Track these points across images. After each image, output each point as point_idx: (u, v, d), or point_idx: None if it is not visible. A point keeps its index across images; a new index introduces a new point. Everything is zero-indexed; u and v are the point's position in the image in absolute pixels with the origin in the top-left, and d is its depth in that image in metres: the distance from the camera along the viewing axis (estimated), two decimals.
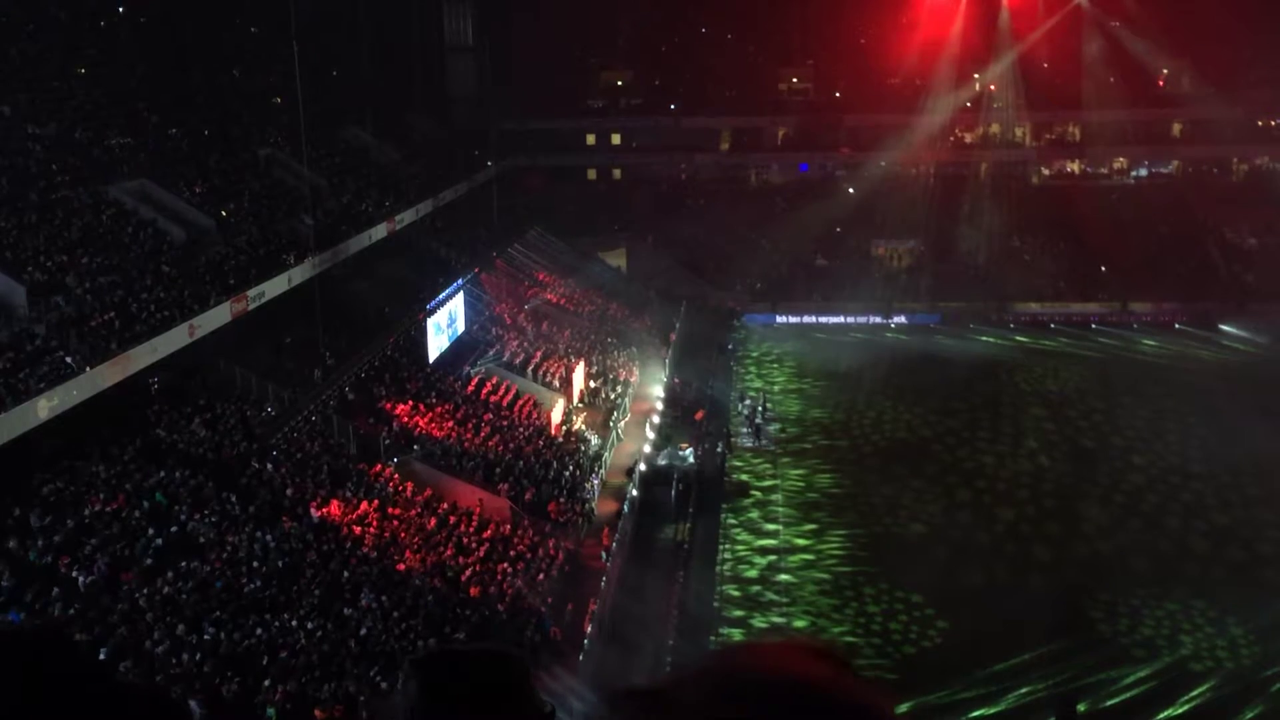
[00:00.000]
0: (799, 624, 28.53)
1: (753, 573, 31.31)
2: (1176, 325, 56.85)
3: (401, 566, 26.60)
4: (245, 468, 28.04)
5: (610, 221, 66.25)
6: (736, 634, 27.76)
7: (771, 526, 34.19)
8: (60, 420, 23.92)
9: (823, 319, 58.92)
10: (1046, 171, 74.32)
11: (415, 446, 33.11)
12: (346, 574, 25.33)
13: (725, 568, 31.59)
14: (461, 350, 41.72)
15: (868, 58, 71.95)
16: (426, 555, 27.58)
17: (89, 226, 31.13)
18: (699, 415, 42.46)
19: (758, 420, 42.42)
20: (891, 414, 44.00)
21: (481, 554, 28.17)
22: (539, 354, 44.30)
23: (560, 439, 37.45)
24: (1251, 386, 44.34)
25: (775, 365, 52.05)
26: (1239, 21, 59.68)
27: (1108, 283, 60.07)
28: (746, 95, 74.53)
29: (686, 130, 72.86)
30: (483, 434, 35.42)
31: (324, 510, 27.60)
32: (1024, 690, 25.04)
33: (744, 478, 38.13)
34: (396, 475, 31.07)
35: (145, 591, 21.71)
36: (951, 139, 72.03)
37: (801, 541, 33.16)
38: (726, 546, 32.87)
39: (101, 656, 19.50)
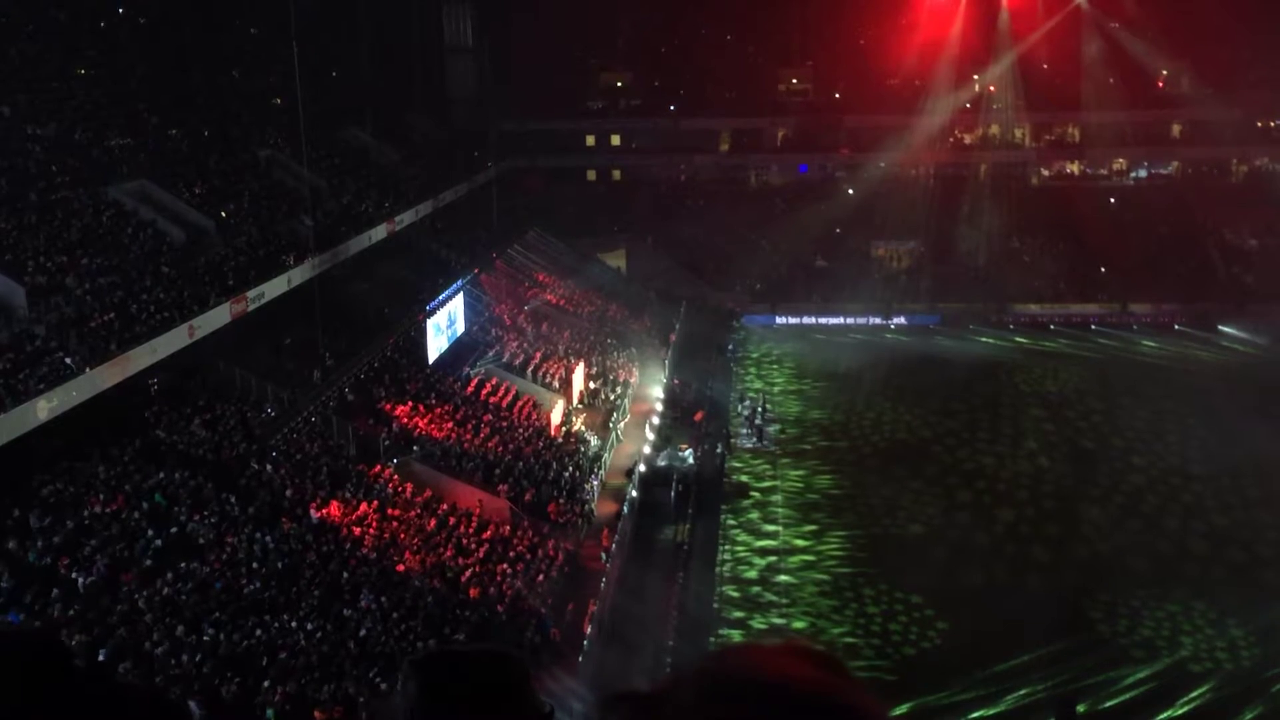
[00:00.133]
0: (798, 625, 28.53)
1: (752, 574, 31.32)
2: (1176, 326, 56.86)
3: (401, 567, 26.60)
4: (245, 469, 28.04)
5: (610, 222, 66.25)
6: (736, 635, 27.75)
7: (771, 527, 34.19)
8: (60, 421, 23.92)
9: (822, 320, 58.92)
10: (1046, 172, 74.31)
11: (415, 447, 33.10)
12: (346, 575, 25.33)
13: (725, 569, 31.59)
14: (461, 351, 41.71)
15: (867, 59, 71.95)
16: (426, 556, 27.57)
17: (89, 227, 31.14)
18: (698, 416, 42.46)
19: (758, 421, 42.42)
20: (891, 415, 44.00)
21: (481, 555, 28.17)
22: (538, 355, 44.30)
23: (560, 440, 37.45)
24: (1251, 387, 44.34)
25: (775, 366, 52.05)
26: (1238, 22, 59.68)
27: (1107, 284, 60.08)
28: (746, 96, 74.53)
29: (686, 131, 72.86)
30: (482, 435, 35.41)
31: (323, 511, 27.60)
32: (1024, 691, 25.04)
33: (743, 479, 38.13)
34: (396, 476, 31.06)
35: (145, 592, 21.71)
36: (951, 140, 72.03)
37: (801, 542, 33.16)
38: (726, 547, 32.87)
39: (101, 657, 19.50)
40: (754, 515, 35.17)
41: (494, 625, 25.27)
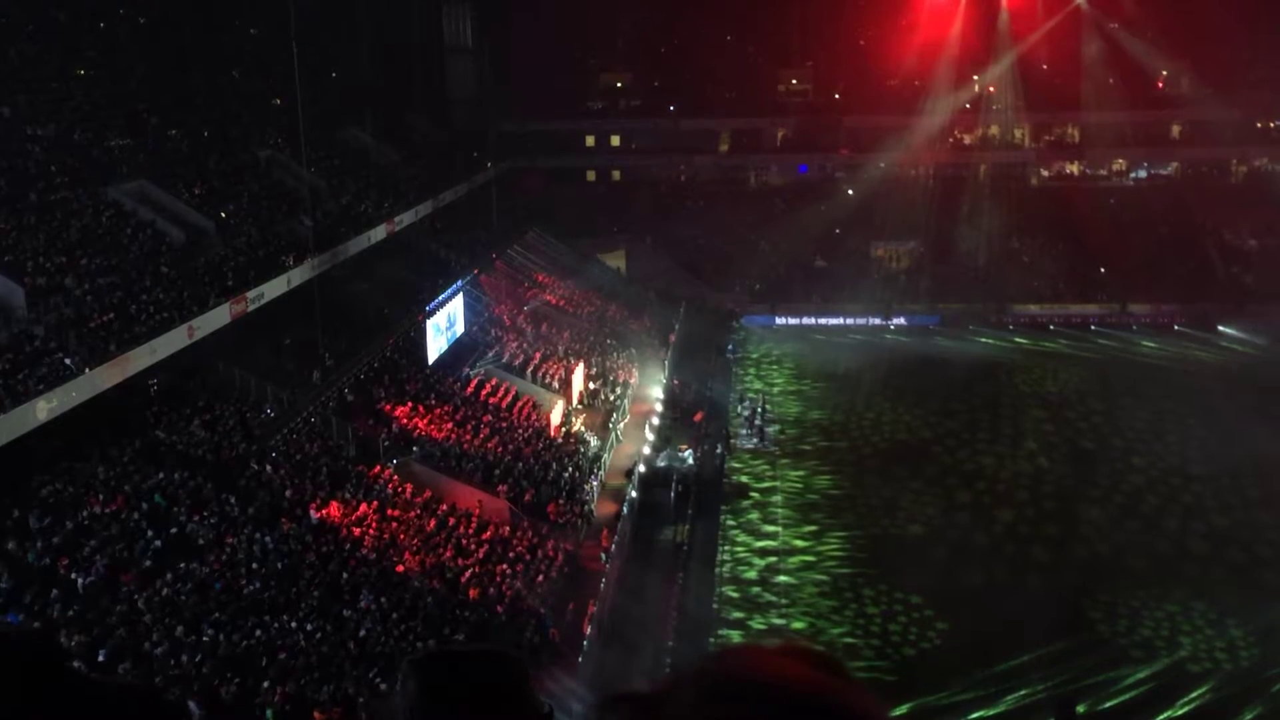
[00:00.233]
0: (798, 626, 28.53)
1: (752, 574, 31.31)
2: (1176, 326, 56.88)
3: (401, 568, 26.60)
4: (244, 469, 28.04)
5: (609, 223, 66.27)
6: (735, 635, 27.74)
7: (771, 528, 34.19)
8: (59, 422, 23.91)
9: (822, 320, 58.92)
10: (1046, 173, 74.36)
11: (414, 448, 33.10)
12: (345, 575, 25.33)
13: (724, 569, 31.59)
14: (461, 352, 41.71)
15: (867, 59, 71.99)
16: (425, 557, 27.58)
17: (88, 228, 31.13)
18: (698, 417, 42.46)
19: (758, 422, 42.43)
20: (891, 415, 44.01)
21: (481, 555, 28.17)
22: (538, 355, 44.31)
23: (559, 440, 37.45)
24: (1250, 388, 44.37)
25: (774, 367, 52.05)
26: (1238, 23, 59.73)
27: (1107, 284, 60.12)
28: (746, 96, 74.55)
29: (686, 132, 72.87)
30: (482, 435, 35.42)
31: (323, 512, 27.60)
32: (1023, 691, 25.05)
33: (743, 479, 38.13)
34: (396, 477, 31.06)
35: (144, 593, 21.71)
36: (951, 140, 72.07)
37: (801, 543, 33.16)
38: (726, 548, 32.87)
39: (101, 658, 19.50)
40: (754, 516, 35.16)
41: (493, 626, 25.27)
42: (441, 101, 68.19)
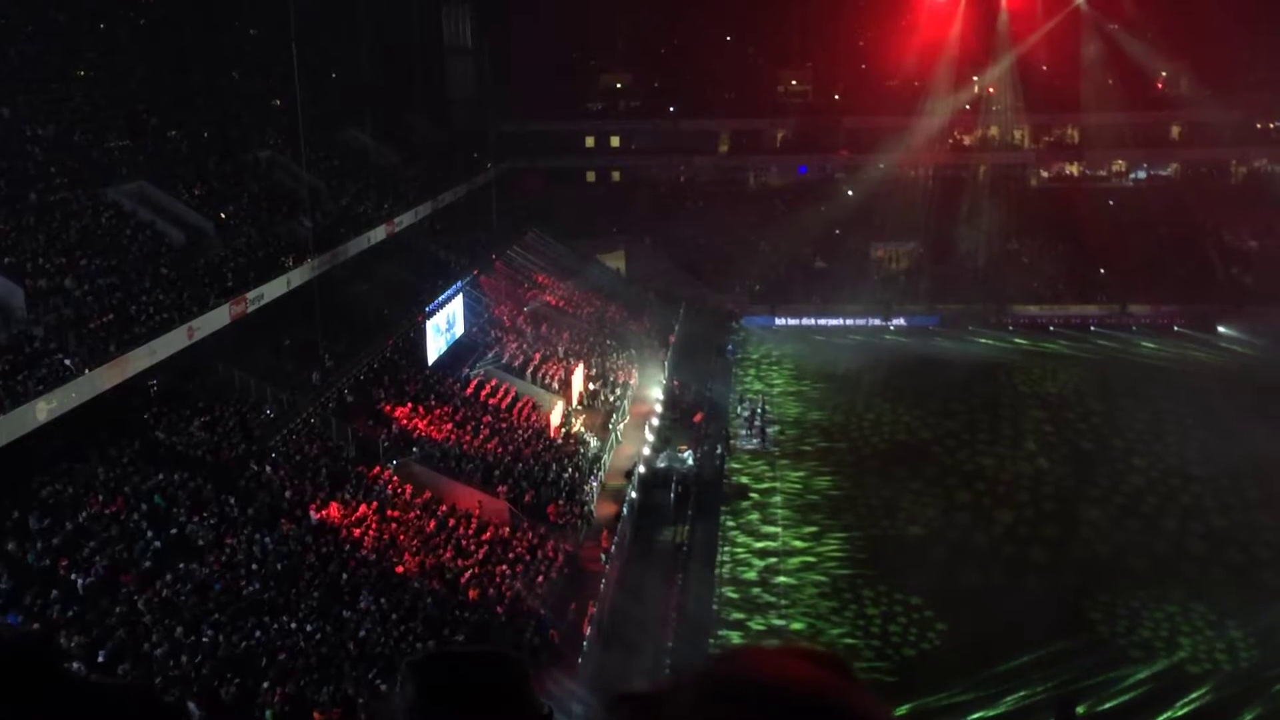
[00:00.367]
0: (797, 626, 28.52)
1: (752, 575, 31.30)
2: (1175, 327, 56.89)
3: (400, 569, 26.59)
4: (244, 470, 28.04)
5: (609, 224, 66.29)
6: (735, 636, 27.74)
7: (770, 529, 34.18)
8: (59, 422, 23.90)
9: (822, 321, 58.94)
10: (1045, 174, 74.38)
11: (414, 449, 33.10)
12: (345, 576, 25.33)
13: (724, 570, 31.57)
14: (460, 352, 41.72)
15: (867, 60, 72.10)
16: (425, 557, 27.57)
17: (88, 229, 31.13)
18: (698, 417, 42.45)
19: (758, 422, 42.43)
20: (890, 416, 44.00)
21: (480, 556, 28.17)
22: (538, 356, 44.31)
23: (559, 441, 37.44)
24: (1250, 388, 44.38)
25: (774, 367, 52.04)
26: (1237, 24, 59.75)
27: (1106, 285, 60.14)
28: (745, 97, 74.58)
29: (685, 132, 72.88)
30: (482, 436, 35.41)
31: (323, 512, 27.59)
32: (1023, 692, 25.04)
33: (743, 480, 38.12)
34: (395, 477, 31.06)
35: (144, 594, 21.71)
36: (950, 141, 72.08)
37: (800, 544, 33.15)
38: (725, 549, 32.85)
39: (100, 659, 19.50)
40: (753, 516, 35.15)
41: (493, 627, 25.26)
42: (441, 102, 68.20)
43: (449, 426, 35.42)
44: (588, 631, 26.02)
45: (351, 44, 56.65)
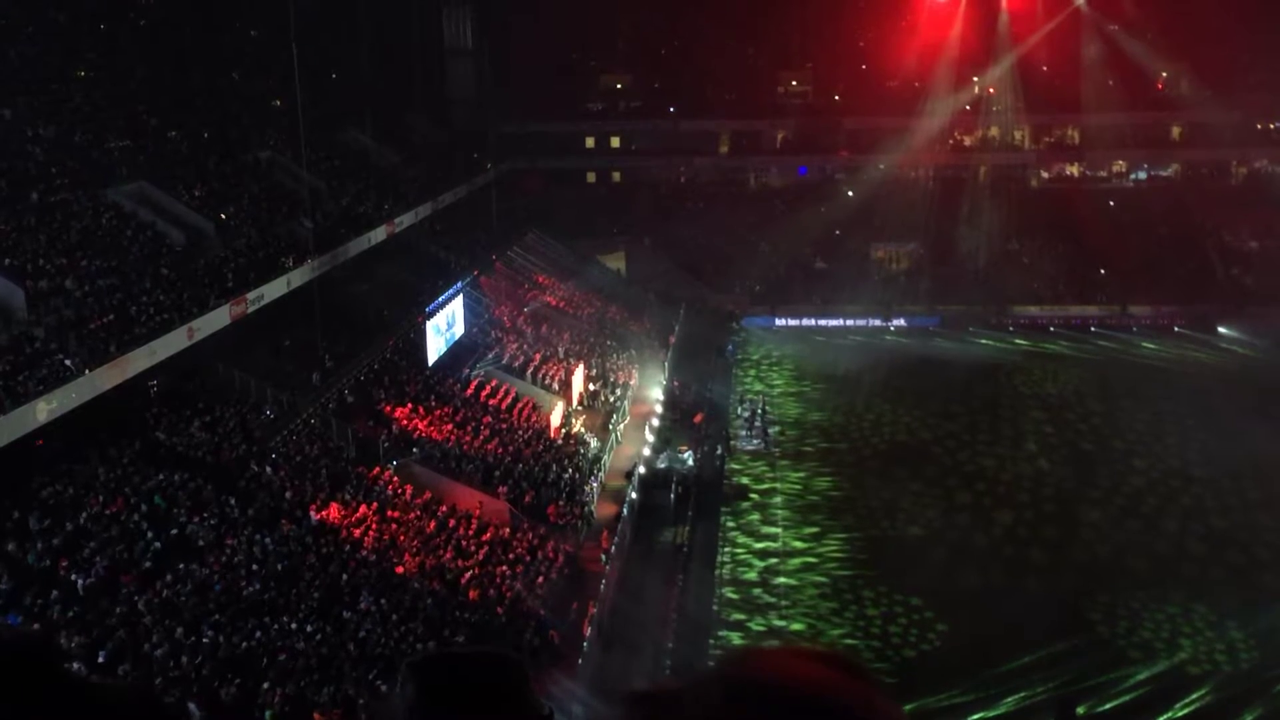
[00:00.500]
0: (797, 627, 28.52)
1: (752, 575, 31.30)
2: (1175, 328, 56.90)
3: (400, 569, 26.59)
4: (244, 470, 28.04)
5: (609, 224, 66.29)
6: (735, 637, 27.74)
7: (770, 529, 34.18)
8: (59, 423, 23.90)
9: (822, 322, 58.96)
10: (1045, 174, 74.38)
11: (414, 449, 33.10)
12: (345, 577, 25.32)
13: (724, 571, 31.57)
14: (461, 353, 41.72)
15: (867, 60, 72.12)
16: (425, 558, 27.57)
17: (88, 229, 31.13)
18: (698, 418, 42.46)
19: (758, 423, 42.43)
20: (891, 417, 44.00)
21: (481, 557, 28.17)
22: (538, 357, 44.31)
23: (559, 442, 37.44)
24: (1250, 389, 44.37)
25: (774, 368, 52.05)
26: (1238, 24, 59.75)
27: (1107, 286, 60.15)
28: (745, 98, 74.59)
29: (686, 133, 72.89)
30: (482, 437, 35.41)
31: (323, 513, 27.59)
32: (1023, 693, 25.04)
33: (743, 481, 38.12)
34: (395, 478, 31.06)
35: (144, 594, 21.70)
36: (951, 142, 72.10)
37: (801, 544, 33.15)
38: (725, 549, 32.86)
39: (100, 659, 19.50)
40: (753, 517, 35.15)
41: (493, 627, 25.26)
42: (441, 103, 68.22)
43: (449, 427, 35.43)
44: (588, 632, 26.02)
45: (352, 44, 56.69)
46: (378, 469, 31.01)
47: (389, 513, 29.07)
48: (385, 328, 40.79)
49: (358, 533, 27.56)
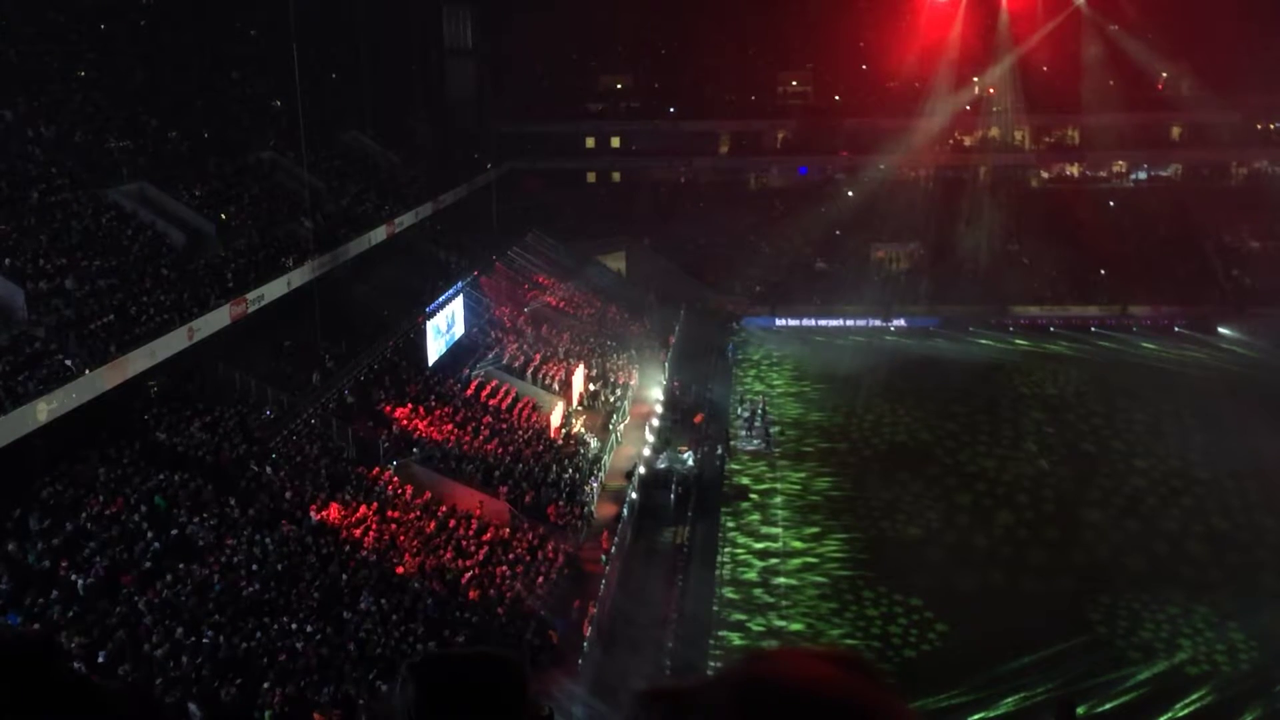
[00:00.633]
0: (797, 627, 28.52)
1: (752, 576, 31.30)
2: (1176, 328, 56.93)
3: (400, 570, 26.60)
4: (244, 471, 28.04)
5: (609, 224, 66.27)
6: (735, 637, 27.74)
7: (770, 530, 34.18)
8: (59, 423, 23.90)
9: (822, 322, 58.99)
10: (1046, 175, 74.39)
11: (414, 449, 33.10)
12: (345, 577, 25.33)
13: (724, 571, 31.57)
14: (461, 353, 41.73)
15: (867, 61, 72.08)
16: (426, 558, 27.58)
17: (88, 230, 31.12)
18: (698, 418, 42.47)
19: (758, 423, 42.43)
20: (891, 417, 44.01)
21: (481, 557, 28.18)
22: (538, 357, 44.32)
23: (559, 442, 37.45)
24: (1251, 390, 44.38)
25: (774, 368, 52.05)
26: (1238, 25, 59.72)
27: (1107, 286, 60.17)
28: (746, 98, 74.63)
29: (686, 133, 72.87)
30: (482, 437, 35.42)
31: (323, 513, 27.60)
32: (1023, 694, 25.05)
33: (743, 481, 38.12)
34: (396, 478, 31.06)
35: (144, 595, 21.71)
36: (951, 142, 72.10)
37: (801, 545, 33.16)
38: (725, 549, 32.86)
39: (100, 660, 19.50)
40: (753, 517, 35.16)
41: (493, 628, 25.26)
42: (441, 103, 68.19)
43: (449, 427, 35.44)
44: (588, 632, 26.02)
45: (352, 45, 56.68)
46: (378, 469, 31.02)
47: (389, 513, 29.07)
48: (385, 328, 40.80)
49: (358, 533, 27.57)
